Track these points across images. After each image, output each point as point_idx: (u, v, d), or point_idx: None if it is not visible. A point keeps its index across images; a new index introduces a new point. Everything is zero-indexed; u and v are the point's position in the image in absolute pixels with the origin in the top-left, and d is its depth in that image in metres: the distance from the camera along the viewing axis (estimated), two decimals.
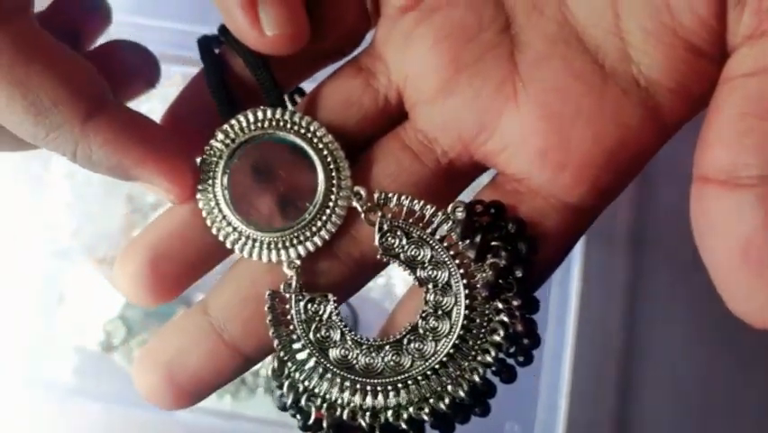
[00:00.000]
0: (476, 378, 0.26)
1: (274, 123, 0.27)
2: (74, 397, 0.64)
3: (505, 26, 0.27)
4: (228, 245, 0.26)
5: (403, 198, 0.26)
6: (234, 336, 0.26)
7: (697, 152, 0.23)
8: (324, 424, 0.26)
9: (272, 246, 0.26)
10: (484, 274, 0.26)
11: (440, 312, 0.26)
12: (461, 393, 0.26)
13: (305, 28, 0.26)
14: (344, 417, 0.26)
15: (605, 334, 0.65)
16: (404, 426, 0.26)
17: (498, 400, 0.63)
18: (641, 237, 0.65)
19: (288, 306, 0.26)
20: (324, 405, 0.26)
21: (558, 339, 0.62)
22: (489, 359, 0.26)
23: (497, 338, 0.26)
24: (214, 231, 0.26)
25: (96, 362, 0.64)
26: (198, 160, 0.27)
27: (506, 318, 0.26)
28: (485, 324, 0.26)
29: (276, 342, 0.26)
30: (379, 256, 0.27)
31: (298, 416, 0.26)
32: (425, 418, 0.26)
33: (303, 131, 0.26)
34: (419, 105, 0.27)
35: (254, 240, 0.26)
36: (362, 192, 0.27)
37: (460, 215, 0.26)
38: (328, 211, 0.26)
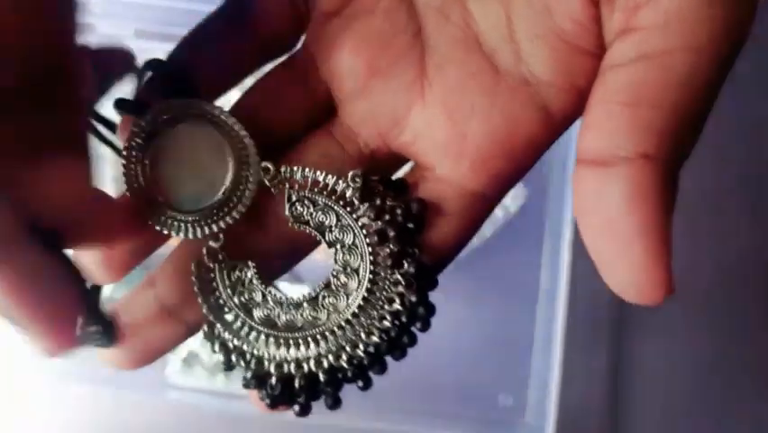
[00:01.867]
0: (386, 324, 0.29)
1: (182, 111, 0.29)
2: (65, 380, 0.64)
3: (417, 32, 0.29)
4: (158, 227, 0.28)
5: (307, 169, 0.29)
6: (176, 306, 0.29)
7: (578, 138, 0.25)
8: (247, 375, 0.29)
9: (195, 225, 0.28)
10: (378, 224, 0.29)
11: (348, 270, 0.29)
12: (374, 340, 0.28)
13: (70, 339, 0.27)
14: (271, 369, 0.29)
15: (597, 306, 0.65)
16: (322, 375, 0.29)
17: (491, 372, 0.63)
18: None
19: (212, 274, 0.29)
20: (253, 360, 0.29)
21: (549, 310, 0.62)
22: (396, 306, 0.29)
23: (395, 307, 0.29)
24: (144, 215, 0.28)
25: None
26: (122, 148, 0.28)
27: (402, 289, 0.28)
28: (388, 277, 0.29)
29: (204, 307, 0.29)
30: (289, 224, 0.29)
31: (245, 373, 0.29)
32: (344, 365, 0.28)
33: (209, 116, 0.29)
34: (343, 102, 0.30)
35: (179, 220, 0.28)
36: (270, 167, 0.29)
37: (359, 180, 0.29)
38: (241, 188, 0.29)
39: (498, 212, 0.65)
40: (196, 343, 0.64)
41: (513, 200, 0.65)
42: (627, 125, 0.24)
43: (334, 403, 0.29)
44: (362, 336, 0.29)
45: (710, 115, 0.24)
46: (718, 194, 0.68)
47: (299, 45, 0.31)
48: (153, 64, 0.29)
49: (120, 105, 0.29)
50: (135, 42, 0.59)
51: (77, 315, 0.27)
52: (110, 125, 0.31)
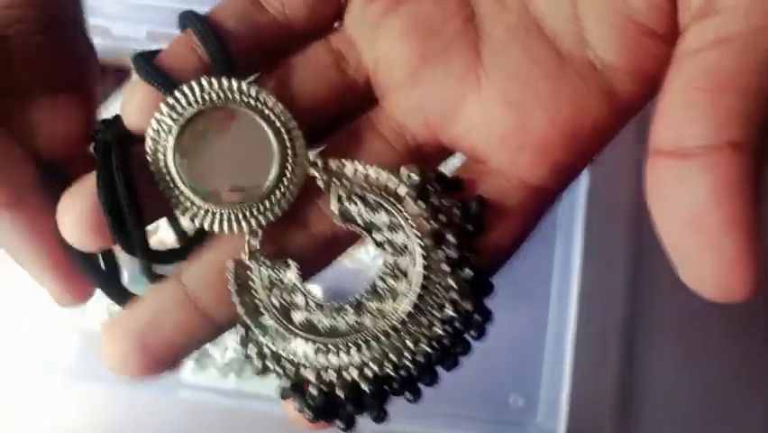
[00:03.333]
0: (436, 331, 0.27)
1: (222, 94, 0.26)
2: (77, 378, 0.64)
3: (469, 17, 0.28)
4: (188, 219, 0.27)
5: (357, 163, 0.27)
6: (208, 304, 0.27)
7: (651, 127, 0.23)
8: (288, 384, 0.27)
9: (232, 218, 0.26)
10: (434, 225, 0.27)
11: (397, 272, 0.27)
12: (424, 348, 0.27)
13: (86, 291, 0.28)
14: (310, 377, 0.26)
15: (608, 306, 0.65)
16: (366, 385, 0.27)
17: (502, 373, 0.63)
18: (641, 214, 0.65)
19: (250, 273, 0.27)
20: (291, 367, 0.27)
21: (561, 311, 0.62)
22: (448, 313, 0.27)
23: (447, 314, 0.27)
24: (172, 205, 0.26)
25: (99, 343, 0.65)
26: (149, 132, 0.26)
27: (456, 296, 0.27)
28: (441, 282, 0.27)
29: (240, 309, 0.27)
30: (337, 222, 0.27)
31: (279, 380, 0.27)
32: (391, 374, 0.26)
33: (254, 102, 0.26)
34: (389, 92, 0.28)
35: (213, 213, 0.26)
36: (319, 162, 0.27)
37: (416, 177, 0.27)
38: (285, 182, 0.27)
39: None
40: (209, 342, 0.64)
41: None
42: (709, 113, 0.22)
43: (380, 416, 0.27)
44: (410, 344, 0.27)
45: None
46: None
47: (337, 27, 0.30)
48: (190, 18, 0.27)
49: (142, 64, 0.26)
50: (147, 45, 0.59)
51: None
52: None
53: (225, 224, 0.26)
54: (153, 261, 0.27)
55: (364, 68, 0.29)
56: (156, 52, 0.27)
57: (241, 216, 0.26)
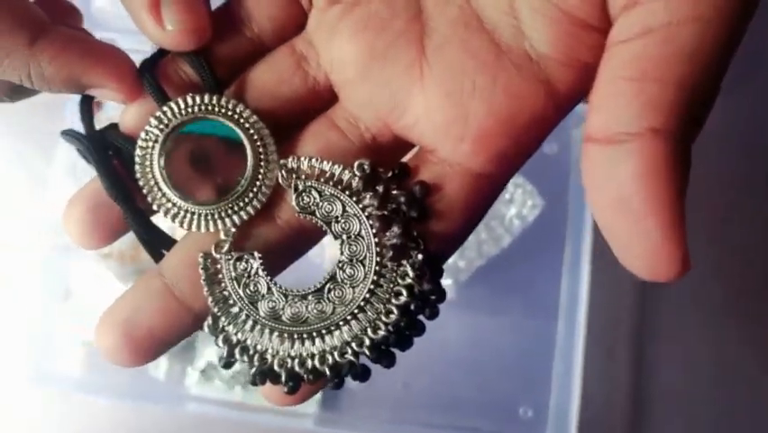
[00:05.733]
0: (393, 318, 0.28)
1: (203, 107, 0.29)
2: (82, 391, 0.64)
3: (416, 14, 0.30)
4: (169, 219, 0.29)
5: (313, 159, 0.29)
6: (185, 294, 0.29)
7: (586, 116, 0.25)
8: (252, 372, 0.29)
9: (209, 218, 0.29)
10: (384, 213, 0.29)
11: (354, 261, 0.29)
12: (382, 334, 0.28)
13: (204, 24, 0.29)
14: (274, 365, 0.28)
15: (617, 316, 0.65)
16: (328, 370, 0.28)
17: (511, 385, 0.63)
18: None
19: (219, 266, 0.29)
20: (256, 355, 0.29)
21: (570, 322, 0.62)
22: (402, 300, 0.28)
23: (402, 299, 0.28)
24: (155, 207, 0.29)
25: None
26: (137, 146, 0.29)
27: (410, 279, 0.28)
28: (395, 269, 0.29)
29: (210, 299, 0.29)
30: (296, 214, 0.29)
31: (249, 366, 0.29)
32: (352, 359, 0.28)
33: (230, 113, 0.29)
34: (343, 88, 0.30)
35: (192, 213, 0.29)
36: (289, 164, 0.30)
37: (365, 169, 0.29)
38: (258, 183, 0.29)
39: (516, 221, 0.65)
40: (214, 354, 0.64)
41: (530, 210, 0.65)
42: (634, 101, 0.23)
43: (339, 386, 0.29)
44: (369, 329, 0.28)
45: None
46: (743, 197, 0.67)
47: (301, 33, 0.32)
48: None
49: (148, 77, 0.30)
50: None
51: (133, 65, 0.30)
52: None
53: (203, 223, 0.29)
54: (158, 240, 0.30)
55: (323, 68, 0.31)
56: (158, 57, 0.30)
57: (216, 215, 0.29)
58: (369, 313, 0.29)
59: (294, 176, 0.29)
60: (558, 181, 0.65)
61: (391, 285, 0.29)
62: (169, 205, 0.29)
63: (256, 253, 0.29)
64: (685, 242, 0.23)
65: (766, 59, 0.68)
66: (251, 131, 0.29)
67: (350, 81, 0.30)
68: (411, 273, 0.28)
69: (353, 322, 0.29)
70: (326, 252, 0.63)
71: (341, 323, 0.29)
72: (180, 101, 0.29)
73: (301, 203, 0.29)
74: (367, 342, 0.28)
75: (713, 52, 0.23)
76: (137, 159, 0.29)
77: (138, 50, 0.31)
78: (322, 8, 0.31)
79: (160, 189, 0.29)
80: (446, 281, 0.58)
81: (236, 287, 0.29)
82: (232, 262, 0.29)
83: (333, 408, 0.65)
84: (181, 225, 0.29)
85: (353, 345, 0.29)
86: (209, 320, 0.29)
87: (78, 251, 0.65)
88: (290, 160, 0.29)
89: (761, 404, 0.64)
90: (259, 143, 0.29)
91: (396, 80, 0.29)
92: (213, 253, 0.29)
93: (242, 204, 0.29)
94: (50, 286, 0.65)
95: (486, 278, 0.65)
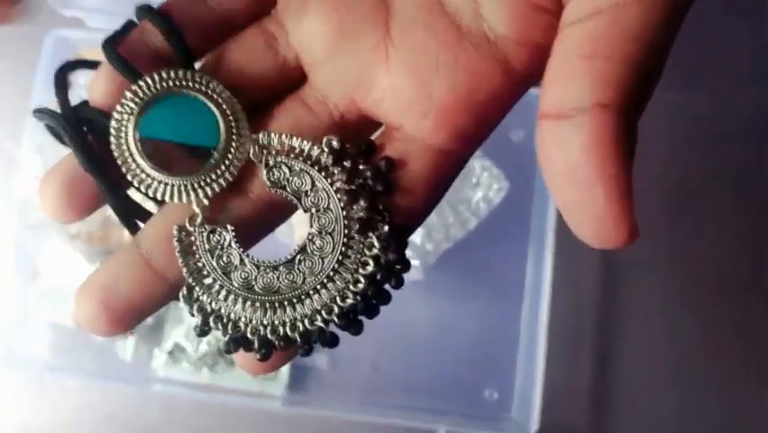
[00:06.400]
0: (360, 287, 0.30)
1: (177, 82, 0.30)
2: (50, 373, 0.64)
3: None
4: (143, 190, 0.30)
5: (284, 135, 0.30)
6: (160, 264, 0.30)
7: (540, 95, 0.26)
8: (226, 339, 0.30)
9: (182, 189, 0.30)
10: (352, 187, 0.30)
11: (323, 233, 0.30)
12: (350, 303, 0.30)
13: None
14: (247, 333, 0.30)
15: (581, 300, 0.66)
16: (299, 337, 0.30)
17: (477, 368, 0.64)
18: None
19: (193, 238, 0.30)
20: (230, 324, 0.30)
21: (534, 306, 0.62)
22: (369, 270, 0.30)
23: (369, 269, 0.30)
24: (129, 178, 0.30)
25: (71, 337, 0.64)
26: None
27: (376, 250, 0.30)
28: (362, 240, 0.30)
29: (184, 270, 0.30)
30: (268, 189, 0.30)
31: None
32: (321, 326, 0.30)
33: (204, 88, 0.30)
34: (312, 67, 0.31)
35: (166, 184, 0.30)
36: (259, 138, 0.30)
37: (334, 144, 0.30)
38: (230, 157, 0.30)
39: (482, 205, 0.65)
40: (182, 336, 0.64)
41: (496, 193, 0.65)
42: (583, 78, 0.25)
43: (308, 352, 0.30)
44: (338, 300, 0.30)
45: None
46: (708, 189, 0.68)
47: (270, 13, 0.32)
48: (146, 10, 0.30)
49: (112, 54, 0.30)
50: None
51: None
52: None
53: (176, 194, 0.30)
54: (133, 213, 0.31)
55: (293, 48, 0.31)
56: (120, 34, 0.31)
57: (189, 187, 0.30)
58: (337, 283, 0.30)
59: (265, 152, 0.30)
60: (524, 167, 0.65)
61: (359, 256, 0.30)
62: (143, 176, 0.30)
63: (229, 226, 0.30)
64: (632, 210, 0.24)
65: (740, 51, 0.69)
66: (224, 106, 0.30)
67: (318, 61, 0.31)
68: (377, 245, 0.29)
69: (323, 291, 0.30)
70: (295, 232, 0.63)
71: (311, 292, 0.30)
72: (155, 75, 0.30)
73: (272, 178, 0.30)
74: (336, 310, 0.30)
75: (657, 32, 0.25)
76: (112, 131, 0.30)
77: (107, 29, 0.31)
78: None
79: (134, 161, 0.30)
80: (414, 263, 0.59)
81: (210, 258, 0.30)
82: (205, 234, 0.30)
83: (301, 390, 0.65)
84: (155, 196, 0.30)
85: (323, 312, 0.30)
86: (184, 290, 0.30)
87: (45, 231, 0.65)
88: (261, 136, 0.30)
89: (724, 381, 0.65)
90: (231, 118, 0.30)
91: (363, 60, 0.30)
92: (187, 225, 0.30)
93: (214, 176, 0.30)
94: (17, 267, 0.65)
95: (453, 261, 0.65)
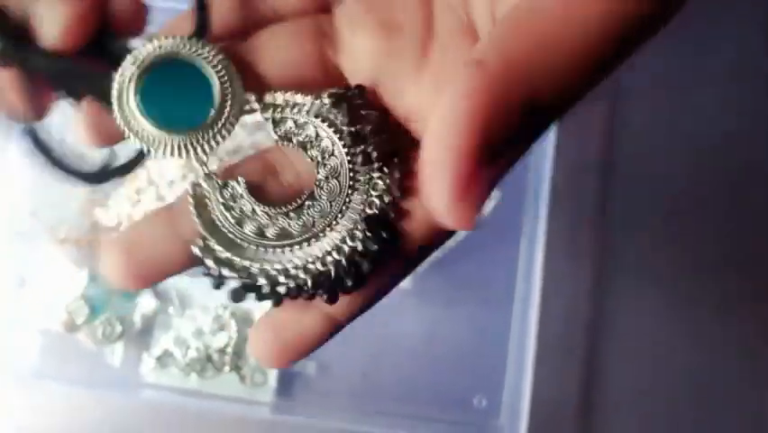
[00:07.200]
0: (368, 225, 0.31)
1: (174, 48, 0.32)
2: (39, 378, 0.64)
3: (427, 17, 0.32)
4: (146, 149, 0.32)
5: (287, 93, 0.32)
6: (189, 235, 0.31)
7: None
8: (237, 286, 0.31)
9: (182, 146, 0.32)
10: (354, 128, 0.31)
11: (330, 177, 0.32)
12: (359, 243, 0.31)
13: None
14: (260, 280, 0.31)
15: (571, 308, 0.66)
16: (310, 280, 0.30)
17: (466, 375, 0.64)
18: (604, 217, 0.65)
19: (207, 193, 0.32)
20: (244, 271, 0.31)
21: (524, 314, 0.63)
22: (376, 202, 0.31)
23: (375, 208, 0.31)
24: (131, 137, 0.32)
25: (60, 343, 0.64)
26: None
27: (382, 186, 0.31)
28: (368, 181, 0.31)
29: (199, 223, 0.31)
30: (276, 143, 0.33)
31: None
32: (330, 267, 0.30)
33: (200, 52, 0.32)
34: (352, 74, 0.33)
35: (165, 142, 0.32)
36: (254, 97, 0.32)
37: (335, 90, 0.32)
38: (225, 114, 0.32)
39: None
40: (171, 342, 0.64)
41: (487, 202, 0.65)
42: (487, 38, 0.26)
43: (333, 298, 0.30)
44: (348, 240, 0.31)
45: None
46: (696, 190, 0.68)
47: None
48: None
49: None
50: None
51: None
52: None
53: (176, 150, 0.32)
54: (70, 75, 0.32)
55: (338, 50, 0.33)
56: None
57: (189, 144, 0.32)
58: (346, 223, 0.31)
59: (271, 108, 0.32)
60: (515, 176, 0.65)
61: (365, 196, 0.31)
62: (145, 134, 0.32)
63: (240, 179, 0.32)
64: (480, 190, 0.24)
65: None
66: (219, 67, 0.32)
67: (358, 71, 0.33)
68: (381, 184, 0.31)
69: (332, 233, 0.31)
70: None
71: (320, 234, 0.31)
72: (155, 40, 0.32)
73: (279, 132, 0.32)
74: (346, 249, 0.31)
75: (584, 39, 0.25)
76: (114, 94, 0.32)
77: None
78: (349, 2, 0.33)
79: (136, 121, 0.32)
80: None
81: (223, 210, 0.32)
82: (218, 188, 0.32)
83: (290, 396, 0.65)
84: (158, 153, 0.32)
85: (333, 253, 0.31)
86: (199, 242, 0.31)
87: (33, 237, 0.64)
88: (267, 95, 0.32)
89: (712, 393, 0.65)
90: (225, 79, 0.32)
91: (401, 75, 0.32)
92: (201, 182, 0.32)
93: (211, 133, 0.32)
94: (4, 273, 0.65)
95: (442, 269, 0.65)
